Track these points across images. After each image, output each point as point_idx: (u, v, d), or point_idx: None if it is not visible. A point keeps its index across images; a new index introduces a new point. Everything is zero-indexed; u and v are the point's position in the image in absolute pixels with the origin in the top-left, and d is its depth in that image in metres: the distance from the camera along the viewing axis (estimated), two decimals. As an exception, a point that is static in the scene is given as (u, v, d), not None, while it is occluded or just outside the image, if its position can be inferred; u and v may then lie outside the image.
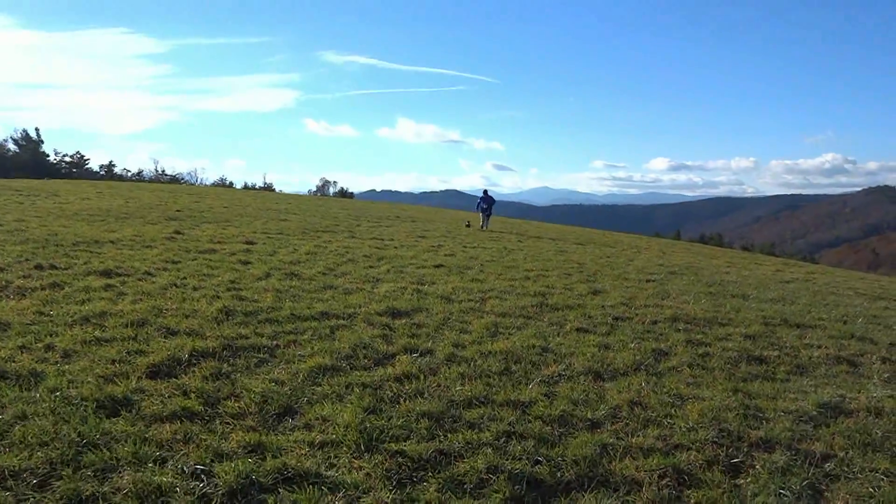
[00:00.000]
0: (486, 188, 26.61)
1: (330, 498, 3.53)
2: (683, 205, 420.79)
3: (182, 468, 3.70)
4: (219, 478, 3.62)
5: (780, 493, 3.87)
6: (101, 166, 67.32)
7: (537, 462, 4.08)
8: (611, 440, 4.43)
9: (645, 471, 4.02)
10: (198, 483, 3.56)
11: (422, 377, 5.46)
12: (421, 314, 7.79)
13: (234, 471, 3.66)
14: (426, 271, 11.39)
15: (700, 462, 4.19)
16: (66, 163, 65.20)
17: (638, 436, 4.53)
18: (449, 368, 5.74)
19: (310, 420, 4.52)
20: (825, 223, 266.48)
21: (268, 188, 66.99)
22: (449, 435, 4.38)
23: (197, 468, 3.70)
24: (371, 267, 11.52)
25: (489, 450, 4.18)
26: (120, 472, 3.62)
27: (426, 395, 5.06)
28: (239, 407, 4.64)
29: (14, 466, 3.59)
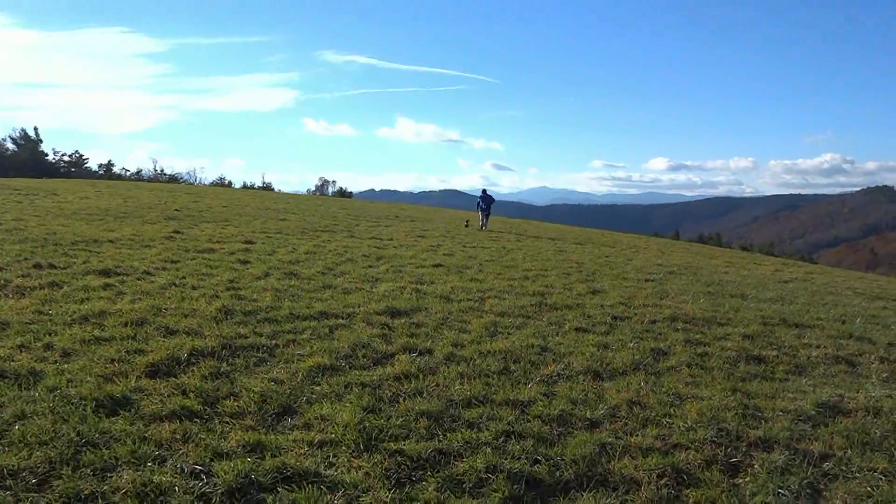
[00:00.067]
0: (485, 188, 26.53)
1: (329, 497, 3.54)
2: (682, 205, 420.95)
3: (181, 467, 3.70)
4: (218, 477, 3.62)
5: (779, 492, 3.88)
6: (100, 165, 67.28)
7: (536, 461, 4.09)
8: (610, 439, 4.43)
9: (644, 470, 4.03)
10: (197, 482, 3.56)
11: (421, 377, 5.46)
12: (420, 314, 7.79)
13: (233, 470, 3.66)
14: (425, 271, 11.39)
15: (699, 461, 4.19)
16: (65, 162, 65.12)
17: (637, 435, 4.54)
18: (448, 368, 5.74)
19: (309, 419, 4.52)
20: (824, 223, 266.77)
21: (267, 188, 66.92)
22: (448, 434, 4.38)
23: (196, 467, 3.70)
24: (370, 266, 11.52)
25: (488, 449, 4.18)
26: (119, 472, 3.61)
27: (425, 395, 5.06)
28: (238, 406, 4.64)
29: (13, 465, 3.59)
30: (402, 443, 4.20)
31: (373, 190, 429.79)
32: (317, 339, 6.42)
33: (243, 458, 3.86)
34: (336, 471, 3.82)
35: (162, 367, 5.29)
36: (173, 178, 66.18)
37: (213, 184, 64.53)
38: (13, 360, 5.18)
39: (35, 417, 4.17)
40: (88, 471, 3.61)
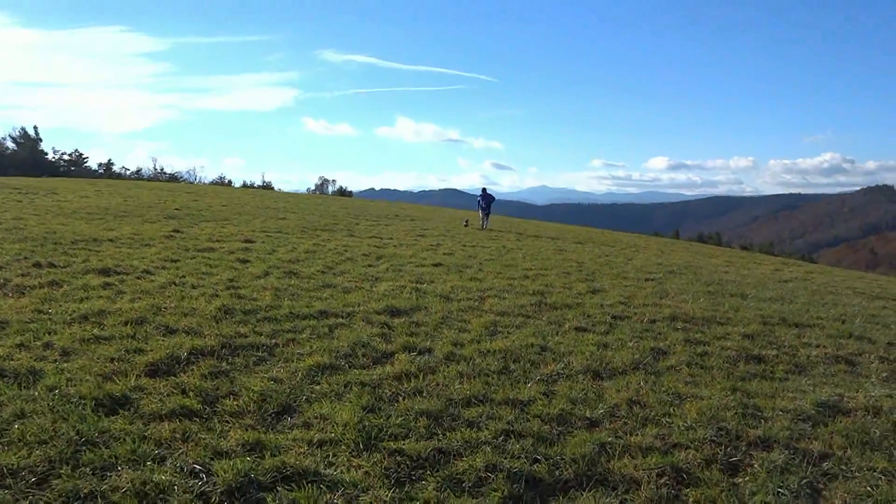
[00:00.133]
0: (485, 187, 26.51)
1: (328, 496, 3.53)
2: (682, 204, 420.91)
3: (181, 466, 3.70)
4: (217, 476, 3.61)
5: (779, 491, 3.88)
6: (100, 164, 67.27)
7: (536, 461, 4.09)
8: (609, 439, 4.43)
9: (643, 469, 4.03)
10: (196, 481, 3.56)
11: (420, 376, 5.46)
12: (420, 313, 7.79)
13: (232, 469, 3.66)
14: (425, 270, 11.39)
15: (698, 461, 4.19)
16: (65, 161, 65.11)
17: (636, 434, 4.54)
18: (448, 367, 5.74)
19: (308, 418, 4.52)
20: (824, 222, 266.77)
21: (266, 187, 66.89)
22: (448, 433, 4.38)
23: (196, 466, 3.70)
24: (370, 265, 11.52)
25: (488, 448, 4.18)
26: (118, 471, 3.61)
27: (425, 394, 5.06)
28: (238, 405, 4.64)
29: (13, 464, 3.59)
30: (402, 442, 4.20)
31: (372, 189, 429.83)
32: (316, 338, 6.42)
33: (243, 457, 3.86)
34: (336, 470, 3.82)
35: (161, 367, 5.28)
36: (173, 178, 66.16)
37: (213, 183, 64.53)
38: (13, 359, 5.18)
39: (34, 416, 4.17)
40: (88, 470, 3.61)
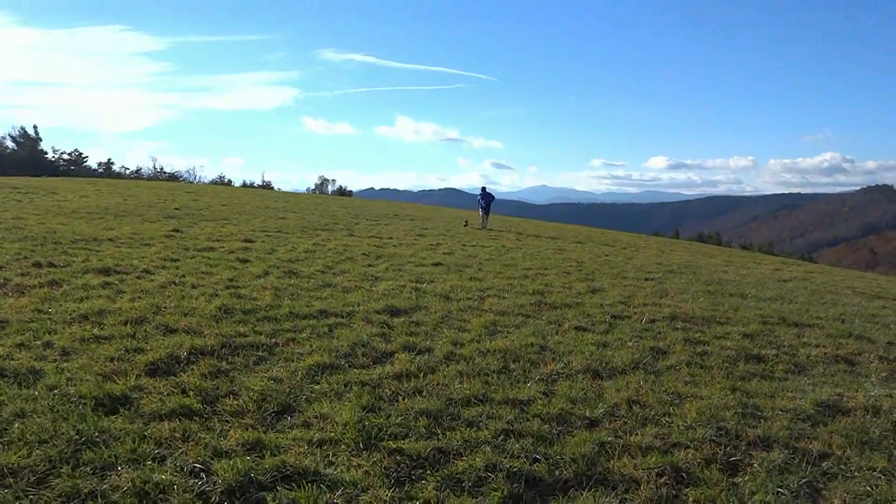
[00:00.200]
0: (485, 186, 26.42)
1: (328, 496, 3.54)
2: (682, 203, 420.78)
3: (181, 466, 3.70)
4: (217, 476, 3.62)
5: (778, 491, 3.88)
6: (100, 164, 67.26)
7: (536, 460, 4.09)
8: (609, 438, 4.43)
9: (643, 469, 4.03)
10: (196, 481, 3.56)
11: (420, 375, 5.46)
12: (419, 312, 7.79)
13: (232, 469, 3.66)
14: (425, 269, 11.39)
15: (698, 460, 4.20)
16: (65, 160, 65.09)
17: (636, 434, 4.54)
18: (447, 367, 5.75)
19: (308, 418, 4.52)
20: (823, 222, 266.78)
21: (266, 186, 66.90)
22: (447, 433, 4.38)
23: (196, 466, 3.70)
24: (370, 265, 11.52)
25: (488, 448, 4.18)
26: (118, 470, 3.61)
27: (425, 394, 5.06)
28: (237, 405, 4.64)
29: (13, 464, 3.59)
30: (402, 441, 4.20)
31: (372, 188, 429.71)
32: (316, 337, 6.42)
33: (243, 456, 3.86)
34: (335, 469, 3.82)
35: (161, 366, 5.29)
36: (173, 177, 66.16)
37: (213, 182, 64.53)
38: (13, 359, 5.18)
39: (35, 416, 4.17)
40: (88, 469, 3.61)
